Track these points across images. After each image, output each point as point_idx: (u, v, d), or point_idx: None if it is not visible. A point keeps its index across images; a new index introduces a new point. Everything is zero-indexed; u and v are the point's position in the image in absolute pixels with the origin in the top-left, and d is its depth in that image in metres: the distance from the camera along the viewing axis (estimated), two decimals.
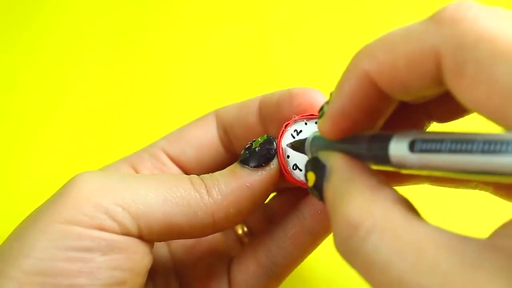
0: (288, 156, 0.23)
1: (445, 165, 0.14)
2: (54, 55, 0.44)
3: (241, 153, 0.23)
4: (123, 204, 0.21)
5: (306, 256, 0.25)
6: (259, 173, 0.23)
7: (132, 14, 0.46)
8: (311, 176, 0.19)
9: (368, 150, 0.17)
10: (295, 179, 0.23)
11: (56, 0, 0.47)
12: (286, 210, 0.25)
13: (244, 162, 0.23)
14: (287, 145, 0.23)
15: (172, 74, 0.42)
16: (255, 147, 0.23)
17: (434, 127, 0.20)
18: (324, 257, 0.32)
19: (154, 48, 0.44)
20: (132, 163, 0.26)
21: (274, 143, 0.23)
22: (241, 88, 0.40)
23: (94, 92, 0.42)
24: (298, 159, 0.23)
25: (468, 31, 0.14)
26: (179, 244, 0.27)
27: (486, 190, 0.20)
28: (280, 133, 0.23)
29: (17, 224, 0.21)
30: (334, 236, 0.16)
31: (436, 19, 0.15)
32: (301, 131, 0.23)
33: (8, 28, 0.46)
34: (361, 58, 0.17)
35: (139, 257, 0.21)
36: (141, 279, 0.22)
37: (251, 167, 0.23)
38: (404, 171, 0.16)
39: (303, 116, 0.24)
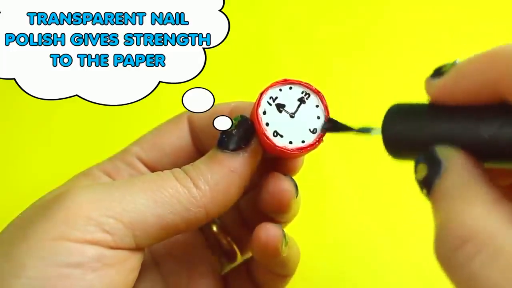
0: (267, 124, 0.23)
1: None
2: None
3: (218, 137, 0.23)
4: (114, 215, 0.20)
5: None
6: (241, 155, 0.22)
7: None
8: (422, 169, 0.17)
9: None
10: (277, 146, 0.22)
11: None
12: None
13: (223, 146, 0.22)
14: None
15: None
16: (231, 130, 0.23)
17: None
18: (325, 257, 0.33)
19: None
20: (108, 172, 0.25)
21: (249, 122, 0.23)
22: (242, 86, 0.39)
23: None
24: (279, 125, 0.23)
25: None
26: (159, 246, 0.26)
27: None
28: (257, 102, 0.23)
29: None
30: (437, 240, 0.15)
31: None
32: (276, 97, 0.23)
33: None
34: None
35: (129, 270, 0.21)
36: None
37: (231, 150, 0.22)
38: None
39: (277, 82, 0.23)
